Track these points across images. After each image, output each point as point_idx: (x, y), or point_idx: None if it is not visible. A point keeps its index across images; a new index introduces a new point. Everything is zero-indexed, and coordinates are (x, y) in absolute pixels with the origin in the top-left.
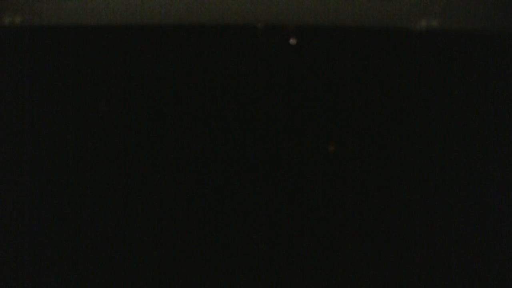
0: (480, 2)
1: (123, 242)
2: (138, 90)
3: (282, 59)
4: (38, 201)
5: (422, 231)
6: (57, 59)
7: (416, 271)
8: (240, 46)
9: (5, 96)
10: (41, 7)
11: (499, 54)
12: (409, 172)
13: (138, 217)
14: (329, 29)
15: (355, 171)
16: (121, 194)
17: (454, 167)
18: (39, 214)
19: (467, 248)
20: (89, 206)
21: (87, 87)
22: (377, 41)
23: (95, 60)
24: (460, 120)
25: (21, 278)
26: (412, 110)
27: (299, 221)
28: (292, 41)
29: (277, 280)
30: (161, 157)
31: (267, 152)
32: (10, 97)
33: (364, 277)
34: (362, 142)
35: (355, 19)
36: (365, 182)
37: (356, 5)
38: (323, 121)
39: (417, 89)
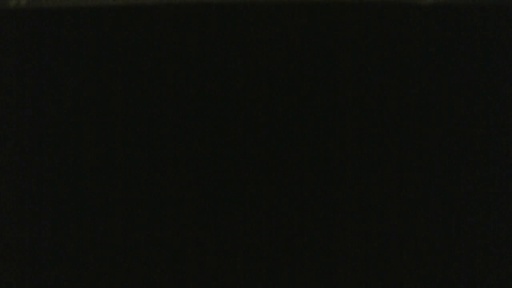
0: None
1: (123, 242)
2: (148, 72)
3: (279, 37)
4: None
5: (423, 232)
6: (65, 42)
7: (416, 271)
8: (241, 23)
9: (11, 80)
10: None
11: (509, 29)
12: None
13: (138, 216)
14: (332, 4)
15: (357, 150)
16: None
17: (467, 145)
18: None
19: (468, 248)
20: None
21: (97, 69)
22: (382, 16)
23: (105, 42)
24: (468, 98)
25: (21, 278)
26: (418, 88)
27: (299, 220)
28: (292, 17)
29: (277, 281)
30: (158, 142)
31: (270, 139)
32: (16, 81)
33: (364, 277)
34: (365, 121)
35: None
36: (368, 166)
37: None
38: (326, 98)
39: (423, 66)
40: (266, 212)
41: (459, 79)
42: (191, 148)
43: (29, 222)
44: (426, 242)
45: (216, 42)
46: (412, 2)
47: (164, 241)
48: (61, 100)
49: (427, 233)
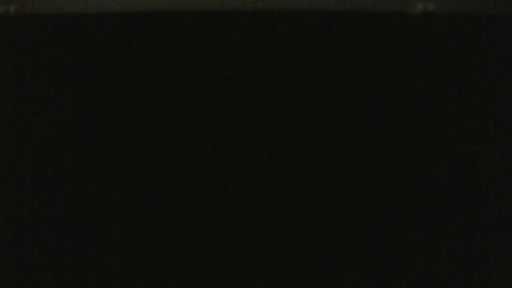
0: None
1: (122, 242)
2: (137, 80)
3: (277, 46)
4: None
5: (422, 232)
6: (53, 49)
7: (416, 271)
8: (238, 33)
9: (1, 85)
10: None
11: (496, 38)
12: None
13: (138, 216)
14: (324, 14)
15: (352, 159)
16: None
17: (454, 153)
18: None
19: (468, 248)
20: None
21: (85, 77)
22: (373, 25)
23: (93, 49)
24: (456, 105)
25: (21, 278)
26: (408, 95)
27: (298, 220)
28: (286, 27)
29: (276, 281)
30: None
31: (268, 143)
32: (5, 88)
33: (364, 277)
34: (358, 130)
35: (350, 2)
36: (363, 172)
37: None
38: (321, 105)
39: (413, 74)
40: (266, 212)
41: (448, 84)
42: (192, 152)
43: (29, 222)
44: (426, 242)
45: (217, 49)
46: (402, 11)
47: (163, 241)
48: (51, 104)
49: (427, 233)
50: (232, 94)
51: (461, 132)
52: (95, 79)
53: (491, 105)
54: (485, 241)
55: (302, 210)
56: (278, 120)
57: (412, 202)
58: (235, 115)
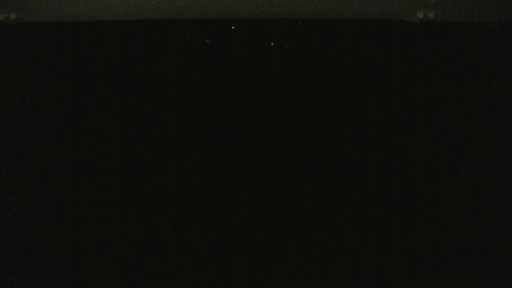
0: None
1: (123, 242)
2: (132, 85)
3: (281, 52)
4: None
5: (422, 232)
6: (52, 56)
7: (415, 271)
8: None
9: (1, 93)
10: (36, 4)
11: (494, 45)
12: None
13: (137, 216)
14: (328, 22)
15: (353, 164)
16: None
17: (454, 157)
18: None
19: (467, 248)
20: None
21: (83, 83)
22: (375, 33)
23: (91, 56)
24: (456, 110)
25: (21, 278)
26: (409, 100)
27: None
28: (293, 34)
29: (276, 280)
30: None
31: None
32: (6, 93)
33: (364, 277)
34: (359, 133)
35: (353, 11)
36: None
37: None
38: (323, 112)
39: (413, 81)
40: (266, 213)
41: (448, 90)
42: (193, 153)
43: (29, 223)
44: (426, 242)
45: (216, 56)
46: (403, 20)
47: (163, 241)
48: (50, 108)
49: (427, 233)
50: (231, 98)
51: (460, 137)
52: (93, 84)
53: (490, 111)
54: (485, 241)
55: (301, 211)
56: (280, 125)
57: (412, 202)
58: (235, 117)
